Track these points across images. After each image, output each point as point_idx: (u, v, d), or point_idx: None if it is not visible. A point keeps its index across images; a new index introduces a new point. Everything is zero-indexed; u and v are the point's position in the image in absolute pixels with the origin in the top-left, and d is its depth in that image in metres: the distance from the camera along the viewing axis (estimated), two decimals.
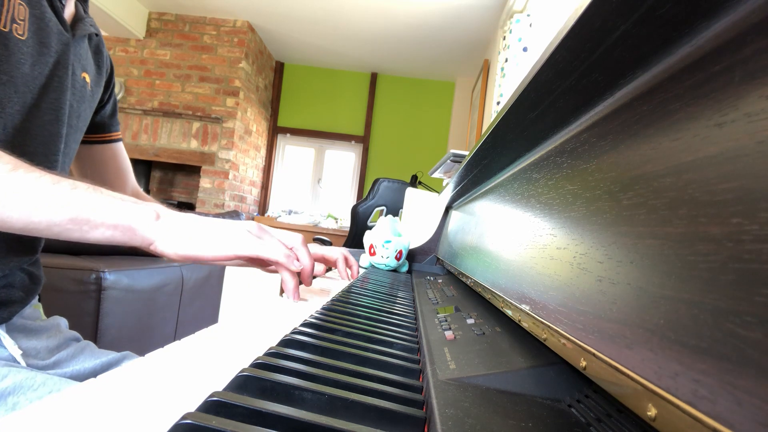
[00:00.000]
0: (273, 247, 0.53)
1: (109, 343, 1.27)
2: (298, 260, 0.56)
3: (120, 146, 0.83)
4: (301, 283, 0.62)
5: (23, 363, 0.58)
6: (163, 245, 0.50)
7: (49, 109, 0.60)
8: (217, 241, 0.51)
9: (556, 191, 0.38)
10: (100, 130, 0.79)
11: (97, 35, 0.72)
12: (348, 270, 0.84)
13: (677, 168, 0.22)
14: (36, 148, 0.58)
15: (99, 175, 0.81)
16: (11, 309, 0.60)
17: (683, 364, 0.17)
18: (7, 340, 0.58)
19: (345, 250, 0.82)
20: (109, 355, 0.68)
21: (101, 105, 0.77)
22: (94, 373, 0.64)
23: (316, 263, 0.75)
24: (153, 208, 0.51)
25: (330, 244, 3.40)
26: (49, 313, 0.73)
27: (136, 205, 0.51)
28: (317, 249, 0.80)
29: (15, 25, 0.53)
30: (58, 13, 0.60)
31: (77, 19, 0.65)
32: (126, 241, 0.50)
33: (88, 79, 0.69)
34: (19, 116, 0.56)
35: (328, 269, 0.88)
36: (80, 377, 0.63)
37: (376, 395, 0.28)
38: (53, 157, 0.62)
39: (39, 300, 0.73)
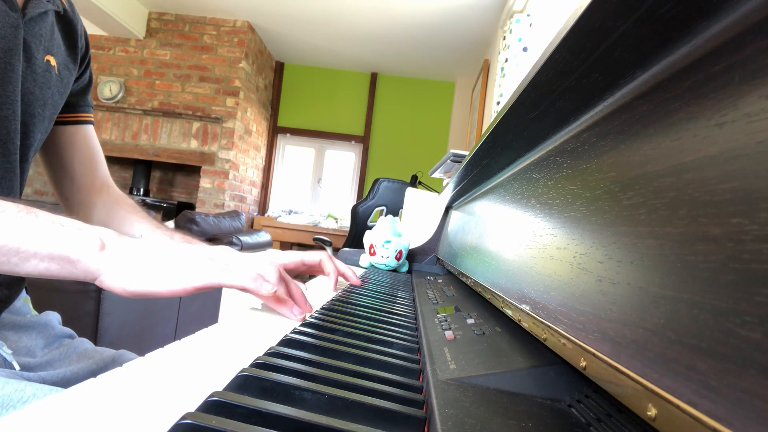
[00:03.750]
0: (237, 273, 0.46)
1: (109, 343, 1.27)
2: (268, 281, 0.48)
3: (90, 130, 0.75)
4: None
5: (15, 363, 0.55)
6: (109, 280, 0.43)
7: (3, 103, 0.54)
8: (171, 272, 0.44)
9: (556, 191, 0.38)
10: (66, 109, 0.70)
11: (63, 12, 0.64)
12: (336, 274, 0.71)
13: (677, 168, 0.22)
14: None
15: (64, 161, 0.73)
16: None
17: (683, 364, 0.17)
18: None
19: (326, 253, 0.70)
20: (104, 353, 0.66)
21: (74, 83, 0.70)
22: (90, 373, 0.62)
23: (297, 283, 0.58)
24: (98, 234, 0.44)
25: (330, 244, 3.40)
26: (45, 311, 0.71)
27: (78, 231, 0.44)
28: (294, 254, 0.68)
29: None
30: None
31: None
32: (66, 275, 0.43)
33: (54, 62, 0.62)
34: None
35: (311, 277, 0.76)
36: (75, 377, 0.60)
37: (376, 395, 0.28)
38: (11, 157, 0.57)
39: (27, 293, 0.70)
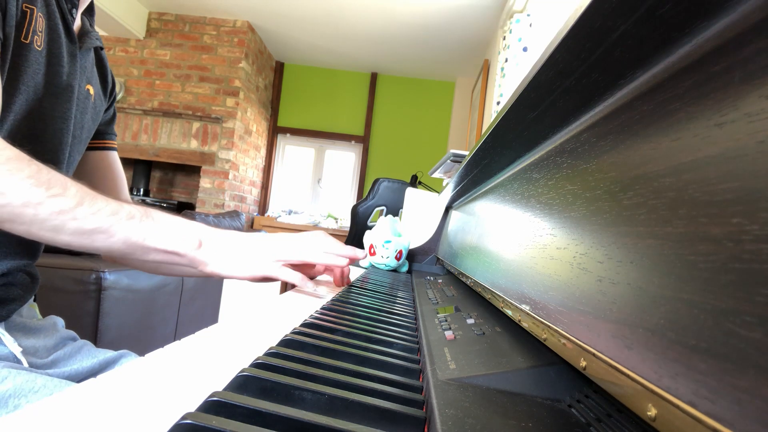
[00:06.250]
0: (290, 272, 0.62)
1: (109, 343, 1.27)
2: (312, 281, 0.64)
3: (115, 156, 0.83)
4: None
5: (24, 361, 0.58)
6: (208, 268, 0.59)
7: (58, 117, 0.62)
8: (246, 262, 0.61)
9: (556, 191, 0.38)
10: (95, 136, 0.79)
11: (102, 49, 0.75)
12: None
13: (677, 168, 0.22)
14: (45, 156, 0.59)
15: (94, 183, 0.79)
16: (10, 307, 0.61)
17: (683, 364, 0.17)
18: (7, 338, 0.58)
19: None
20: (107, 354, 0.69)
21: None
22: (92, 372, 0.65)
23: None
24: (196, 234, 0.58)
25: None
26: (48, 313, 0.73)
27: (181, 231, 0.58)
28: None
29: (35, 36, 0.56)
30: (68, 26, 0.62)
31: (84, 32, 0.67)
32: (176, 263, 0.58)
33: (92, 92, 0.71)
34: (30, 124, 0.58)
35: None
36: (79, 376, 0.64)
37: (376, 395, 0.28)
38: (60, 165, 0.63)
39: (35, 299, 0.73)
